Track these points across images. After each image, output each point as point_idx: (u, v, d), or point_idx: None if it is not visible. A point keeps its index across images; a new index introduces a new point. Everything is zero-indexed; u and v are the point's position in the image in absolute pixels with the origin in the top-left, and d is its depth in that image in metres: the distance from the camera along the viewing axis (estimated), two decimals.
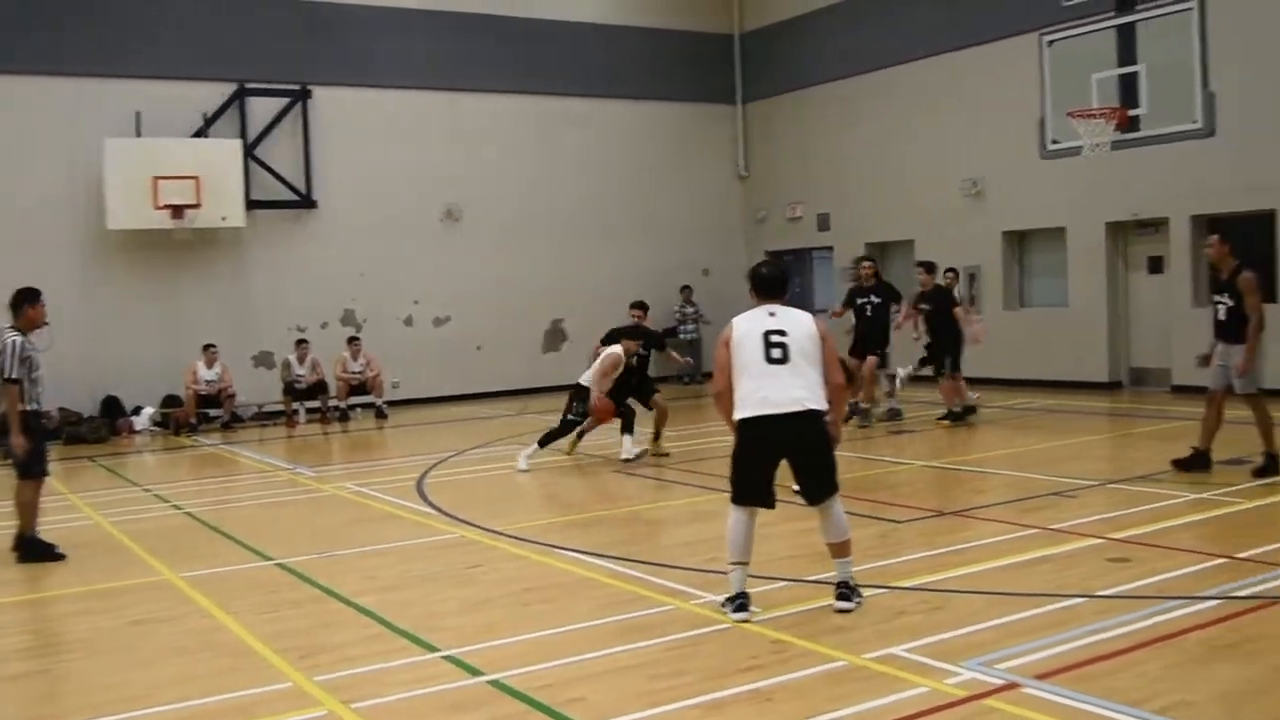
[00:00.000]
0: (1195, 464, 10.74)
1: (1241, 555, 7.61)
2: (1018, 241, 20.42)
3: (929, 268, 15.80)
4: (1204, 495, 9.86)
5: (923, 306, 15.65)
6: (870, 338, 15.64)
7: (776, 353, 6.75)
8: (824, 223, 23.94)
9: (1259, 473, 10.42)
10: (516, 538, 9.33)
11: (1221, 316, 10.68)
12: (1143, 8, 17.53)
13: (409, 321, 21.89)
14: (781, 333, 6.80)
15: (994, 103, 20.11)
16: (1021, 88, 19.28)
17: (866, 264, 16.13)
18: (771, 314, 6.92)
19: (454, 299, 22.33)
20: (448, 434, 17.22)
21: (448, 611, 7.40)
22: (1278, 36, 16.48)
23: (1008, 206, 20.12)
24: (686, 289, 24.36)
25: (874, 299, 15.69)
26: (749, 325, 6.91)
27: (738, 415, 6.85)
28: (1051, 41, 18.05)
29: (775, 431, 6.74)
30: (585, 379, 13.31)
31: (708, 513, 10.19)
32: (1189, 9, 16.51)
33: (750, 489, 6.86)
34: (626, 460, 13.08)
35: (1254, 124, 16.57)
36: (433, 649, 6.45)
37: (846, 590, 6.86)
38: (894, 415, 15.94)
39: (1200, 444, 10.83)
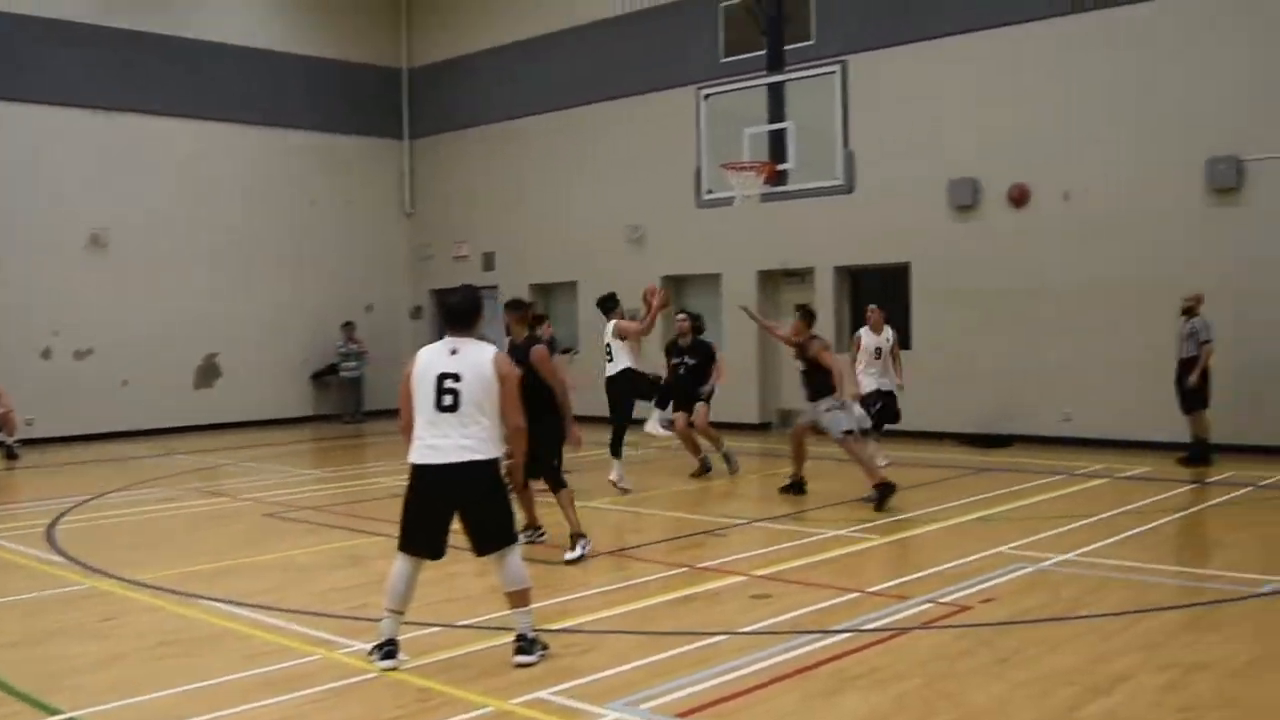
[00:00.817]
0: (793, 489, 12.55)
1: (871, 589, 8.10)
2: (675, 286, 21.15)
3: (691, 316, 14.89)
4: (841, 532, 10.46)
5: (683, 360, 14.57)
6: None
7: (447, 399, 6.57)
8: (489, 262, 24.08)
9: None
10: (156, 587, 8.83)
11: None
12: (791, 68, 18.57)
13: (46, 354, 20.44)
14: (456, 376, 6.59)
15: (655, 151, 20.84)
16: (680, 138, 20.00)
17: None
18: (453, 351, 6.69)
19: (98, 330, 21.02)
20: (87, 476, 16.14)
21: (75, 669, 6.90)
22: (906, 104, 17.89)
23: (667, 253, 20.85)
24: (349, 325, 23.90)
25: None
26: (427, 361, 6.71)
27: (409, 459, 6.72)
28: (708, 95, 18.81)
29: (440, 482, 6.61)
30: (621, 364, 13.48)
31: (362, 557, 10.00)
32: (832, 73, 17.59)
33: (415, 537, 6.74)
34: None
35: (888, 183, 17.87)
36: (54, 711, 6.00)
37: (525, 643, 6.65)
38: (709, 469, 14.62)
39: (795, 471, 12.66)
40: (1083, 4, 16.40)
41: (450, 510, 6.71)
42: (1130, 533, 10.04)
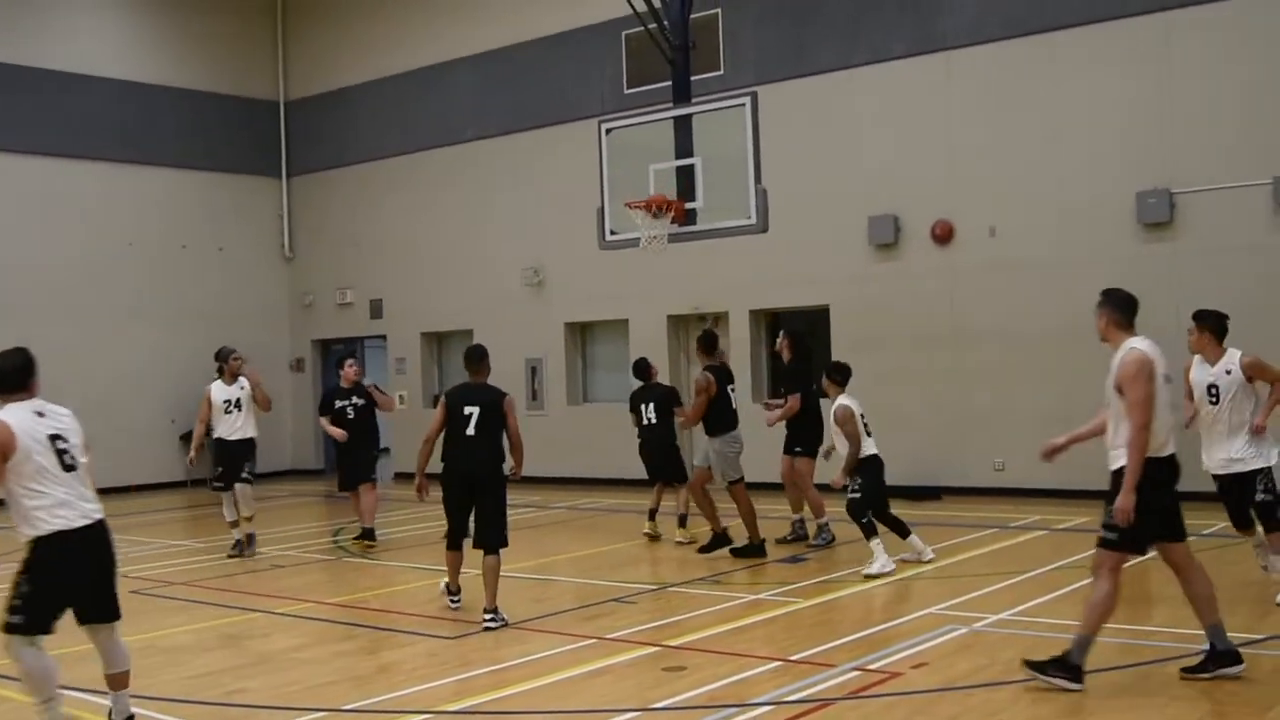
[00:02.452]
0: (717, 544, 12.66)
1: (794, 657, 8.08)
2: (580, 333, 21.13)
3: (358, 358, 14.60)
4: (762, 596, 10.45)
5: (348, 403, 14.43)
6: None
7: (68, 459, 6.54)
8: (377, 309, 23.90)
9: (704, 549, 12.64)
10: (1, 676, 8.51)
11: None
12: (698, 100, 18.72)
13: None
14: (61, 437, 6.57)
15: (555, 189, 20.86)
16: (582, 175, 19.99)
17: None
18: (40, 414, 6.61)
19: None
20: None
21: None
22: (823, 137, 18.14)
23: (569, 296, 20.84)
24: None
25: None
26: (23, 423, 6.49)
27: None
28: (610, 130, 18.90)
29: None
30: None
31: (237, 636, 9.76)
32: (741, 105, 17.75)
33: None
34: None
35: (805, 221, 18.04)
36: None
37: None
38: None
39: (715, 527, 12.85)
40: (1008, 30, 16.78)
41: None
42: (1068, 589, 10.13)
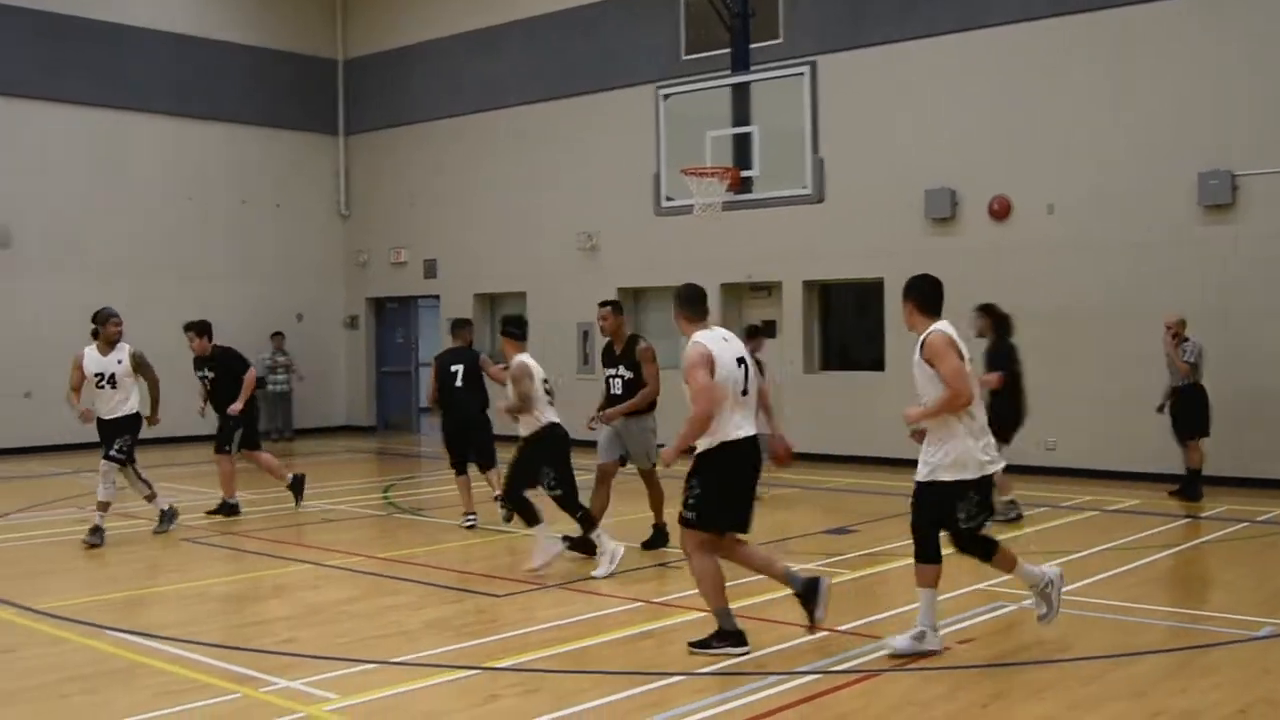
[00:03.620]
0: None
1: (841, 628, 8.07)
2: (633, 299, 21.12)
3: (200, 329, 13.85)
4: (809, 566, 10.43)
5: (202, 374, 13.94)
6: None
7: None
8: (431, 269, 23.97)
9: (647, 545, 11.24)
10: (59, 617, 8.66)
11: (617, 390, 11.30)
12: (757, 69, 18.63)
13: None
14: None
15: (611, 154, 20.82)
16: (638, 141, 19.98)
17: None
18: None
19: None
20: None
21: None
22: (883, 108, 17.99)
23: (622, 262, 20.82)
24: (278, 335, 23.68)
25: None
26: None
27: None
28: (667, 95, 18.83)
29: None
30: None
31: (286, 587, 9.86)
32: (800, 74, 17.66)
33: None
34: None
35: (861, 193, 17.93)
36: None
37: None
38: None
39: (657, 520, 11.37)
40: (1071, 6, 16.55)
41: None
42: (1118, 570, 10.07)
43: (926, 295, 7.60)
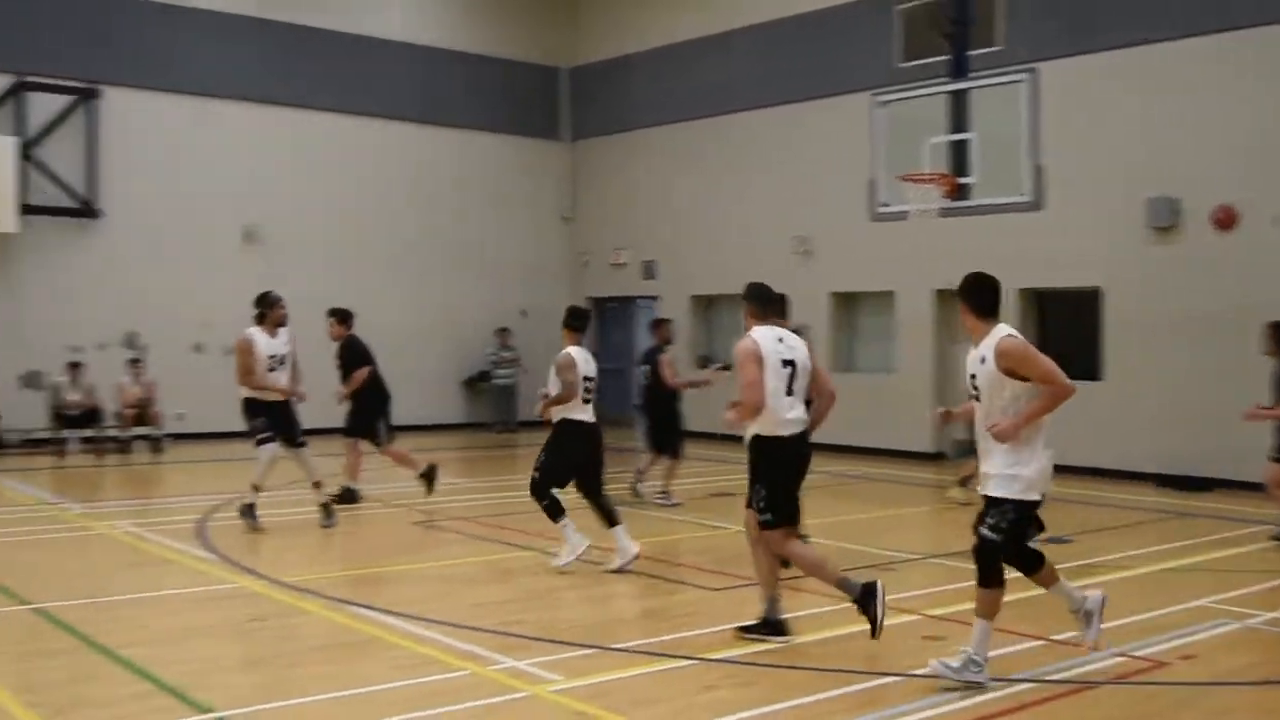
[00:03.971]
0: None
1: (1056, 637, 7.83)
2: (845, 304, 20.92)
3: (340, 316, 14.36)
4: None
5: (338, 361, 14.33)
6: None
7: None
8: (650, 270, 24.18)
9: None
10: (303, 590, 9.04)
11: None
12: (975, 76, 18.24)
13: (198, 348, 21.14)
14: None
15: (826, 160, 20.66)
16: (853, 147, 19.79)
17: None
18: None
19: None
20: (235, 473, 16.57)
21: (223, 669, 7.10)
22: (1104, 116, 17.38)
23: (836, 267, 20.63)
24: (503, 331, 24.21)
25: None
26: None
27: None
28: (885, 102, 18.60)
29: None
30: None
31: (511, 571, 10.07)
32: (1020, 81, 17.23)
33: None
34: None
35: (1080, 201, 17.38)
36: (203, 709, 6.16)
37: None
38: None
39: None
40: None
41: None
42: None
43: (984, 296, 7.09)
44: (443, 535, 11.95)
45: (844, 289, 20.70)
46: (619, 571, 9.77)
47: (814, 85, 21.04)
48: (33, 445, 19.18)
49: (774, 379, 7.55)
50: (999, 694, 6.63)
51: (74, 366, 19.18)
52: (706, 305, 23.49)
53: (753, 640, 7.58)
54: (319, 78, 22.63)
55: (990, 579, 6.70)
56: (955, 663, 6.69)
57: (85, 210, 20.24)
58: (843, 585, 7.62)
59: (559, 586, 9.42)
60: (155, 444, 19.17)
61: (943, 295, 19.34)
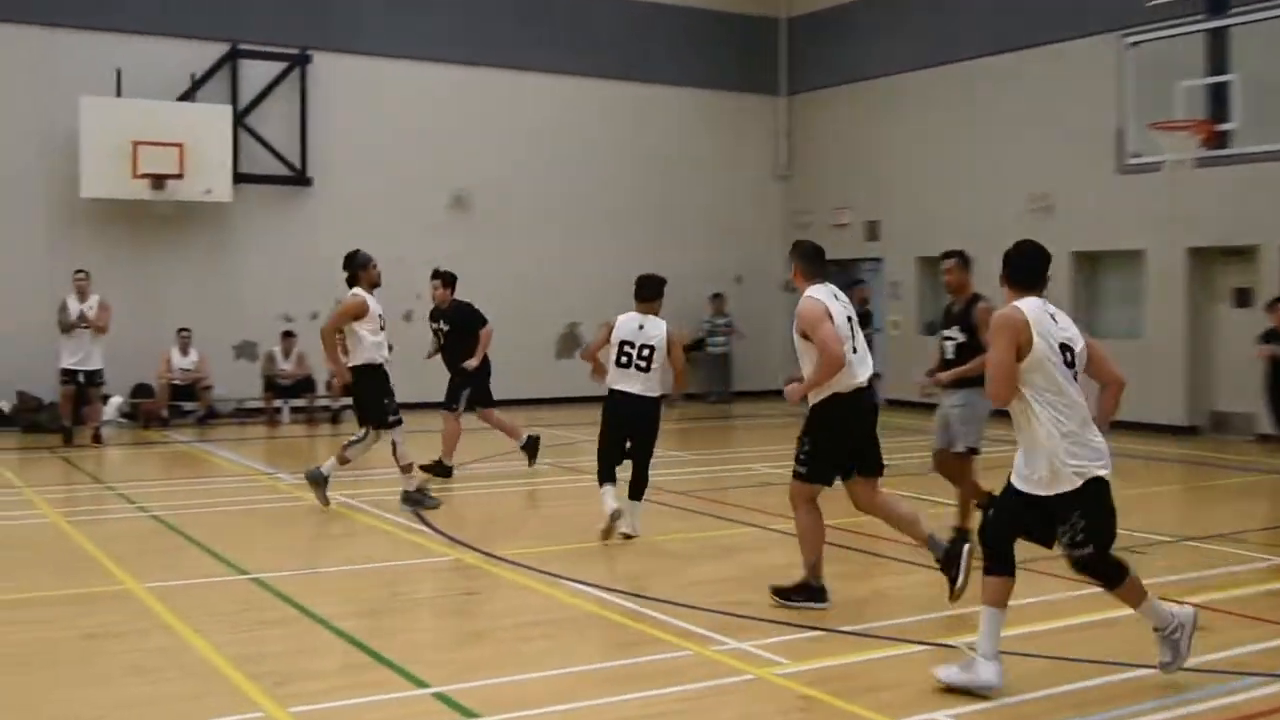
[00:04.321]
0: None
1: None
2: (1088, 264, 20.29)
3: (446, 279, 14.22)
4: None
5: (437, 326, 14.25)
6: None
7: None
8: (872, 231, 23.88)
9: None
10: (519, 564, 9.26)
11: (950, 354, 9.80)
12: (1237, 11, 17.42)
13: (408, 317, 21.72)
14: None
15: (1067, 109, 20.00)
16: (1098, 93, 19.14)
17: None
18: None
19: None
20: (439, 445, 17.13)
21: (439, 643, 7.35)
22: None
23: (1079, 225, 19.98)
24: (717, 297, 24.28)
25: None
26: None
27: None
28: (1134, 44, 17.92)
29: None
30: None
31: (733, 549, 10.11)
32: None
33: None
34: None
35: None
36: (421, 684, 6.38)
37: None
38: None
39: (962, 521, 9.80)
40: None
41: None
42: None
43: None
44: (657, 510, 12.02)
45: (1087, 248, 20.05)
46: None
47: (1053, 27, 20.36)
48: (245, 415, 20.15)
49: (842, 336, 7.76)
50: (1268, 690, 6.38)
51: (287, 336, 20.04)
52: (932, 266, 23.06)
53: (791, 607, 7.87)
54: (528, 39, 23.00)
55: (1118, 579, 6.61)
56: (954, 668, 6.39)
57: (297, 178, 21.06)
58: (930, 544, 8.00)
59: (783, 565, 9.39)
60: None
61: (1198, 254, 18.59)
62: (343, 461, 11.82)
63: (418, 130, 22.01)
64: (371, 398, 11.79)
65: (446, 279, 14.23)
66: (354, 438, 11.89)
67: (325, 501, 11.72)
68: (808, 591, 7.96)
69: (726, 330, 24.14)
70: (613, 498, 10.08)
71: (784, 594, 7.99)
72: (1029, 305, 6.30)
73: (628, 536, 10.19)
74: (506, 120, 22.84)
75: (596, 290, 23.09)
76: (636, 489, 10.37)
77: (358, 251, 11.94)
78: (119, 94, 19.53)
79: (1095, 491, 6.26)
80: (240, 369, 20.47)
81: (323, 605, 8.00)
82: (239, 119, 20.48)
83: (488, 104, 22.68)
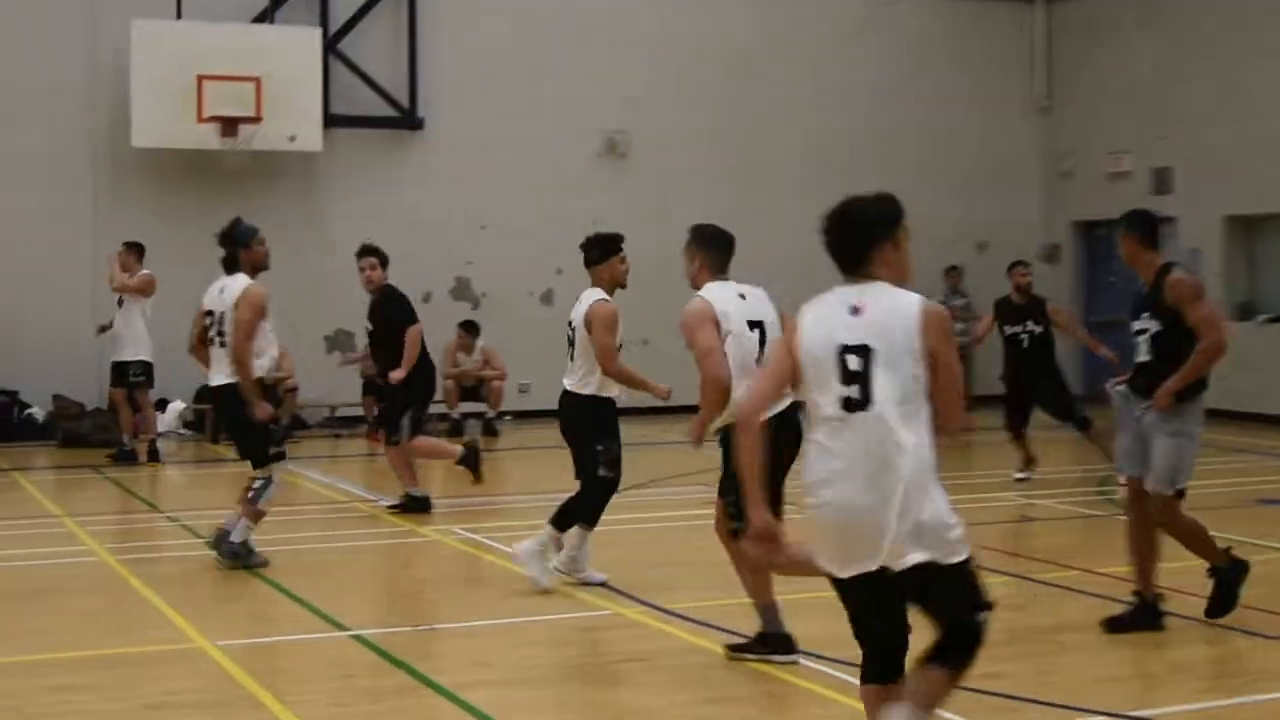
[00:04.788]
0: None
1: None
2: None
3: (382, 257, 13.95)
4: None
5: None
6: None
7: None
8: (1163, 182, 23.38)
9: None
10: (694, 621, 9.16)
11: (1144, 355, 8.71)
12: None
13: (547, 298, 21.81)
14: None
15: None
16: None
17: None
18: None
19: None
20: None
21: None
22: None
23: None
24: (953, 271, 23.99)
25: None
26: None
27: None
28: None
29: None
30: None
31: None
32: None
33: None
34: None
35: None
36: None
37: None
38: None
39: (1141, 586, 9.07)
40: None
41: None
42: None
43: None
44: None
45: None
46: None
47: None
48: (340, 424, 20.40)
49: (740, 348, 8.02)
50: None
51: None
52: (1246, 229, 22.50)
53: (751, 660, 8.01)
54: None
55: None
56: None
57: (404, 120, 21.32)
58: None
59: (1050, 627, 9.19)
60: (489, 424, 19.96)
61: None
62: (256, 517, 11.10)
63: (558, 57, 22.13)
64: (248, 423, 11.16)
65: (382, 257, 13.80)
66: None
67: None
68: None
69: (964, 315, 23.59)
70: None
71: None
72: None
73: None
74: (677, 43, 22.91)
75: (789, 260, 22.80)
76: None
77: (238, 221, 11.33)
78: (179, 15, 19.93)
79: None
80: (332, 366, 20.71)
81: (444, 671, 8.06)
82: (330, 45, 20.79)
83: (652, 22, 22.69)
